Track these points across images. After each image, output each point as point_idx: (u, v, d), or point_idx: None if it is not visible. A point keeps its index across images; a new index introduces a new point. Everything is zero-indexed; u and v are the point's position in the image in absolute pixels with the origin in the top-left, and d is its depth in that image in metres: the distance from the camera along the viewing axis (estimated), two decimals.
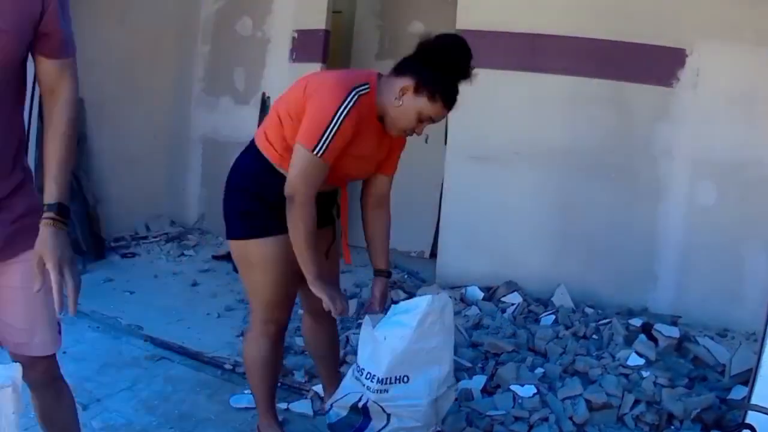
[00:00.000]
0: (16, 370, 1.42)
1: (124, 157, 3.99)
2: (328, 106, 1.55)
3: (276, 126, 1.68)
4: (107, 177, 3.88)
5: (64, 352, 2.48)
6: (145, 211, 4.22)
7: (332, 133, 1.54)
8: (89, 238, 3.60)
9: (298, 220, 1.58)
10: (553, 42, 3.26)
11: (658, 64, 3.11)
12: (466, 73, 1.62)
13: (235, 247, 1.76)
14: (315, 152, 1.55)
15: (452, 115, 3.49)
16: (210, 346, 2.64)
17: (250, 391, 1.98)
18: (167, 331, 2.74)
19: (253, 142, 1.78)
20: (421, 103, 1.60)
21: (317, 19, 3.97)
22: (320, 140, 1.54)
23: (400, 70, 1.64)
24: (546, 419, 2.07)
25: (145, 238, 4.08)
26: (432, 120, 1.65)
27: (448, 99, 1.62)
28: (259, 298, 1.77)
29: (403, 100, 1.60)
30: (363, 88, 1.60)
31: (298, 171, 1.57)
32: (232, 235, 1.76)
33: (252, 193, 1.71)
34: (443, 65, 1.59)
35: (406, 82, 1.60)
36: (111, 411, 2.10)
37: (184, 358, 2.51)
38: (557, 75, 3.26)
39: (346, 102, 1.55)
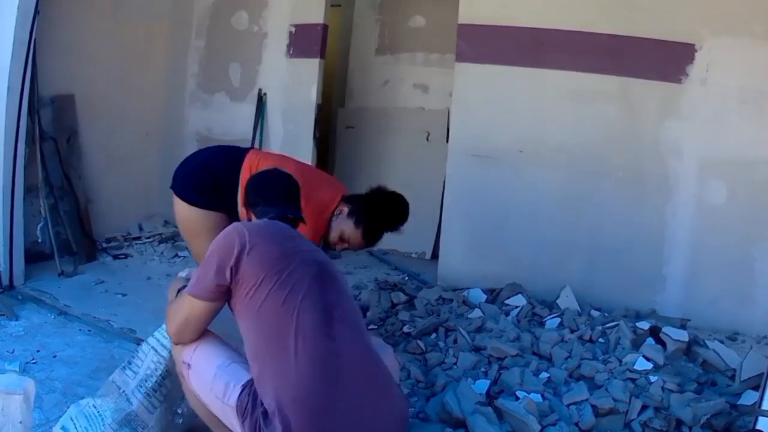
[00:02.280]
0: (30, 383, 1.35)
1: (116, 154, 3.94)
2: None
3: None
4: (98, 175, 3.82)
5: (54, 356, 2.43)
6: (138, 211, 4.15)
7: None
8: (80, 239, 3.54)
9: None
10: (557, 37, 3.23)
11: (666, 60, 3.08)
12: (393, 229, 2.29)
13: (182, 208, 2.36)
14: None
15: (454, 112, 3.50)
16: None
17: None
18: None
19: (245, 153, 2.38)
20: (349, 231, 2.24)
21: (315, 13, 3.94)
22: None
23: (348, 203, 2.26)
24: (554, 424, 2.01)
25: (138, 238, 4.03)
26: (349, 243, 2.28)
27: (370, 240, 2.27)
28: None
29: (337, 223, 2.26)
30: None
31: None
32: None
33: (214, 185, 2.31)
34: (381, 220, 2.24)
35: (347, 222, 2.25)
36: None
37: None
38: (562, 71, 3.23)
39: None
